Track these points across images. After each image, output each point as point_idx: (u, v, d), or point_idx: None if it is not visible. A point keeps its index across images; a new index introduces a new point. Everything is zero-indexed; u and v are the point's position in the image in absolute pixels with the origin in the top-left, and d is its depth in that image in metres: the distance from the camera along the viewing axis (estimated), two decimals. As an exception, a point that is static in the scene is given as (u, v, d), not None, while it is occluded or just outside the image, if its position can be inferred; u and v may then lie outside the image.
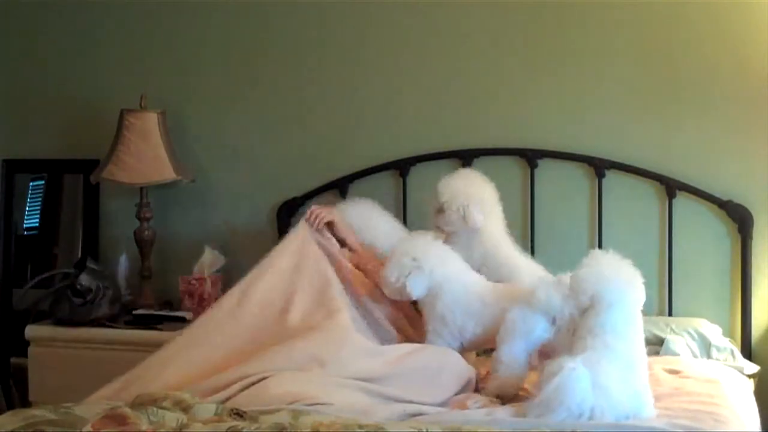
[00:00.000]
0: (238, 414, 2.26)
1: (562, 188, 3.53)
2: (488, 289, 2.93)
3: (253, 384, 2.51)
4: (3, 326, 3.96)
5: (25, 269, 4.03)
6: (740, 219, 3.35)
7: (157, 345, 3.35)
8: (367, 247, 3.19)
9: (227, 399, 2.44)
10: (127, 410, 2.17)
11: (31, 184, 4.10)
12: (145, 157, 3.66)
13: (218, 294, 3.68)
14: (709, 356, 3.14)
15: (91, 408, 2.24)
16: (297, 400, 2.40)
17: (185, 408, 2.26)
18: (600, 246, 3.44)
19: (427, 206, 3.18)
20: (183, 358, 2.81)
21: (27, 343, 3.56)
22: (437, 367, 2.71)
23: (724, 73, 3.37)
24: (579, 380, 2.33)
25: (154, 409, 2.20)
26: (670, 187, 3.40)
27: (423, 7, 3.62)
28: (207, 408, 2.29)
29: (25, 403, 3.53)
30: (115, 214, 3.96)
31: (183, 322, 3.52)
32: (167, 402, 2.28)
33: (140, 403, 2.28)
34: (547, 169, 3.52)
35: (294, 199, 3.76)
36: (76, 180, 4.00)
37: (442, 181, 3.12)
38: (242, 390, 2.49)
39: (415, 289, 2.87)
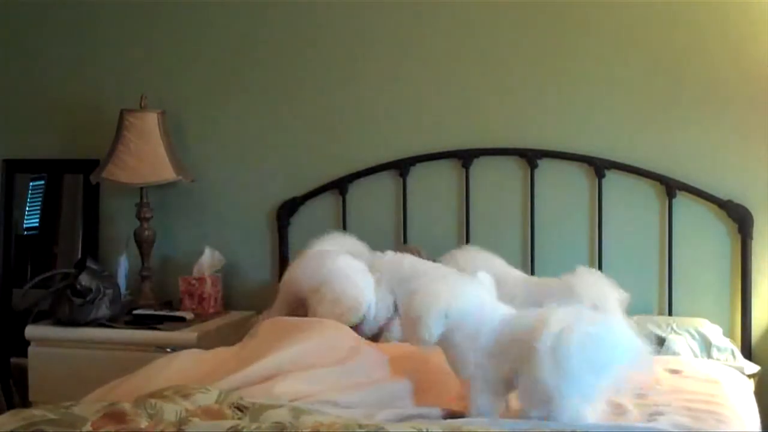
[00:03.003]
0: (239, 408, 2.26)
1: (562, 188, 3.53)
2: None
3: (257, 381, 2.53)
4: (3, 326, 3.96)
5: (25, 269, 4.04)
6: (740, 219, 3.35)
7: (157, 345, 3.38)
8: None
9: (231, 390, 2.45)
10: (126, 407, 2.17)
11: (31, 184, 4.10)
12: (145, 157, 3.66)
13: (218, 294, 3.70)
14: (709, 356, 3.13)
15: (91, 406, 2.23)
16: (299, 398, 2.41)
17: (186, 395, 2.26)
18: (600, 246, 3.45)
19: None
20: (185, 358, 2.81)
21: (27, 343, 3.56)
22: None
23: (724, 74, 3.36)
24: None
25: (152, 401, 2.19)
26: (670, 187, 3.40)
27: (423, 7, 3.62)
28: (208, 396, 2.28)
29: (25, 403, 3.53)
30: (115, 214, 3.96)
31: (183, 321, 3.53)
32: (168, 391, 2.28)
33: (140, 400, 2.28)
34: (547, 169, 3.52)
35: (294, 199, 3.76)
36: (76, 180, 4.00)
37: None
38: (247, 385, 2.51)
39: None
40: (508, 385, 2.33)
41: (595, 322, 2.24)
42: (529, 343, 2.22)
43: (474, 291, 2.45)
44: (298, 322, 3.00)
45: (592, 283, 3.00)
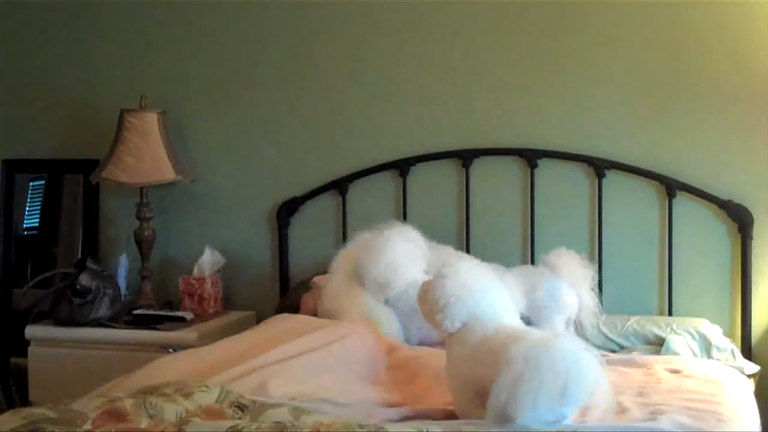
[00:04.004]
0: (240, 407, 2.25)
1: (562, 188, 3.53)
2: None
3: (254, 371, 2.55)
4: (3, 326, 3.96)
5: (25, 269, 4.04)
6: (740, 219, 3.35)
7: (157, 345, 3.38)
8: None
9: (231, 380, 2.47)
10: (127, 404, 2.16)
11: (31, 184, 4.10)
12: (145, 157, 3.66)
13: (218, 294, 3.70)
14: (709, 356, 3.13)
15: (90, 402, 2.23)
16: (296, 398, 2.41)
17: (187, 394, 2.25)
18: (600, 246, 3.45)
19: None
20: (188, 356, 2.81)
21: (27, 343, 3.56)
22: None
23: (724, 73, 3.36)
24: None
25: (152, 401, 2.19)
26: (670, 187, 3.40)
27: (423, 7, 3.62)
28: (209, 395, 2.28)
29: (25, 403, 3.53)
30: (115, 214, 3.96)
31: (183, 321, 3.53)
32: (169, 388, 2.28)
33: (140, 392, 2.28)
34: (547, 169, 3.52)
35: (294, 199, 3.76)
36: (76, 180, 4.00)
37: None
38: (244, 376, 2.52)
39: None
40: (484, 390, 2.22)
41: (562, 353, 2.13)
42: (497, 360, 2.16)
43: (499, 294, 2.44)
44: (314, 323, 3.00)
45: (571, 265, 3.16)
